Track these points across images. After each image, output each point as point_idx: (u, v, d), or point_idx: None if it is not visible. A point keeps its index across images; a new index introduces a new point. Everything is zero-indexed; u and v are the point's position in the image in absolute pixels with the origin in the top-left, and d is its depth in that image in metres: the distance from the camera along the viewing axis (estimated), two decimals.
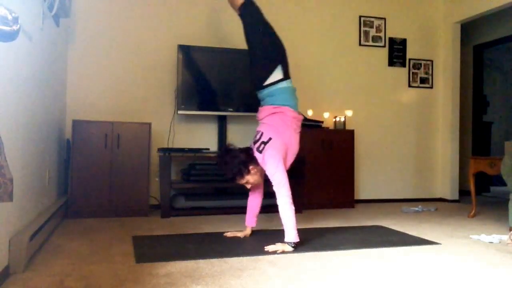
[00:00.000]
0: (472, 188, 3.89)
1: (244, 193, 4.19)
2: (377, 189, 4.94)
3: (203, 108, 4.10)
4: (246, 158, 2.61)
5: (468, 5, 4.89)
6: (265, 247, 2.44)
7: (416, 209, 4.22)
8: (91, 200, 3.55)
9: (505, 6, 4.49)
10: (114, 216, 3.58)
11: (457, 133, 5.13)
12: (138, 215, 3.64)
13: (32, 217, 2.48)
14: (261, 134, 2.66)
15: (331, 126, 4.62)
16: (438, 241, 2.76)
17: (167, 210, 3.63)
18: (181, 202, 3.75)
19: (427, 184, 5.17)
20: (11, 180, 1.51)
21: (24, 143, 2.26)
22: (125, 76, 4.16)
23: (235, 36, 4.16)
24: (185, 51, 4.02)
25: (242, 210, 3.77)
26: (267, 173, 2.59)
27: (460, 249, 2.56)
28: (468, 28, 5.61)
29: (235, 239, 2.76)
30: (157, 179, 3.91)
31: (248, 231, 2.84)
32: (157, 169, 3.91)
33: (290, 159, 2.72)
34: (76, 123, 3.56)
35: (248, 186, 2.73)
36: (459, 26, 5.15)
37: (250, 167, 2.62)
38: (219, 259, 2.24)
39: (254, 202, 2.88)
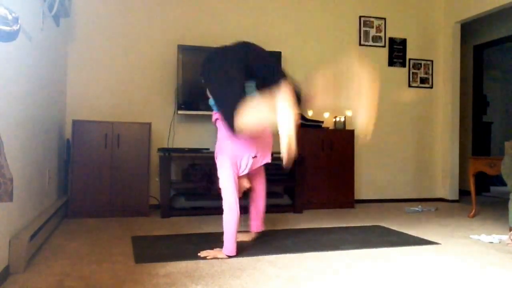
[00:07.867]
0: (472, 188, 3.89)
1: (244, 193, 4.20)
2: (377, 189, 4.94)
3: (203, 108, 4.09)
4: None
5: (468, 5, 4.89)
6: (199, 253, 2.32)
7: (416, 209, 4.22)
8: (91, 200, 3.55)
9: (505, 6, 4.49)
10: (114, 216, 3.58)
11: (457, 133, 5.13)
12: (138, 215, 3.64)
13: (32, 217, 2.48)
14: None
15: (331, 126, 4.62)
16: (438, 241, 2.76)
17: (167, 210, 3.63)
18: (181, 202, 3.75)
19: (427, 184, 5.17)
20: (11, 180, 1.51)
21: (24, 143, 2.26)
22: (125, 76, 4.17)
23: (235, 36, 4.16)
24: (185, 51, 4.02)
25: (243, 210, 3.78)
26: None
27: (460, 249, 2.56)
28: (468, 28, 5.60)
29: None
30: (157, 179, 3.91)
31: (252, 235, 2.76)
32: (157, 169, 3.91)
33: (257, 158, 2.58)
34: (76, 123, 3.56)
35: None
36: (459, 26, 5.15)
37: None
38: (219, 259, 2.24)
39: (255, 205, 2.83)
